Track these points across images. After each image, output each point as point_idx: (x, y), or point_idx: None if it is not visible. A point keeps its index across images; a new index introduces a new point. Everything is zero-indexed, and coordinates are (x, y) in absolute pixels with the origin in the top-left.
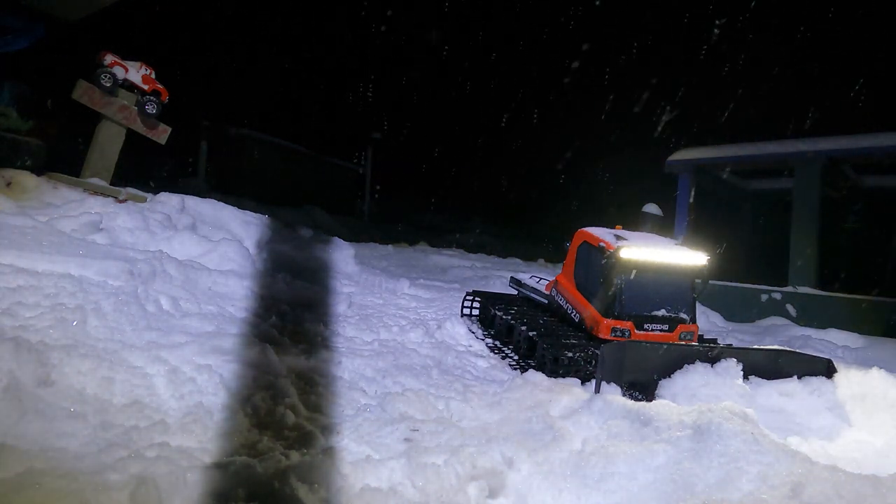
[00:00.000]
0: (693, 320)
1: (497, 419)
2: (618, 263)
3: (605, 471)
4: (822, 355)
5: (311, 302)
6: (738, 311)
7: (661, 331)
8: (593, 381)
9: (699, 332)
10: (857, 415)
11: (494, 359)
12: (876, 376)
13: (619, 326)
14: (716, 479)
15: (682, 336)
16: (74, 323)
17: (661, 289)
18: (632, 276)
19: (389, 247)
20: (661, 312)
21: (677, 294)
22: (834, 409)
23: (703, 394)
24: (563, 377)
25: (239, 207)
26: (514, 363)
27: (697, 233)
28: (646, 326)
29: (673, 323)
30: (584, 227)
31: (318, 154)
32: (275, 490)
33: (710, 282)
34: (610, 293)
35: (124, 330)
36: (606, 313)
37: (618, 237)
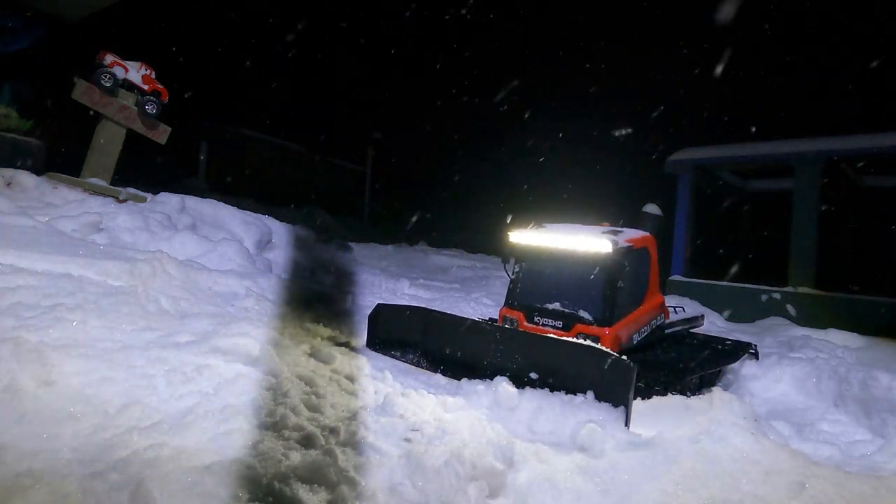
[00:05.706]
0: (603, 322)
1: (497, 419)
2: (510, 249)
3: (605, 471)
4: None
5: (311, 302)
6: (738, 311)
7: (553, 327)
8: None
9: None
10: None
11: None
12: None
13: (508, 315)
14: (718, 479)
15: (579, 337)
16: (74, 323)
17: (562, 281)
18: (523, 264)
19: (389, 247)
20: (556, 306)
21: (580, 288)
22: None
23: None
24: None
25: (239, 207)
26: None
27: (697, 233)
28: (536, 319)
29: (569, 320)
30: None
31: (318, 154)
32: (275, 491)
33: (713, 282)
34: (510, 281)
35: (124, 330)
36: (504, 301)
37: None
